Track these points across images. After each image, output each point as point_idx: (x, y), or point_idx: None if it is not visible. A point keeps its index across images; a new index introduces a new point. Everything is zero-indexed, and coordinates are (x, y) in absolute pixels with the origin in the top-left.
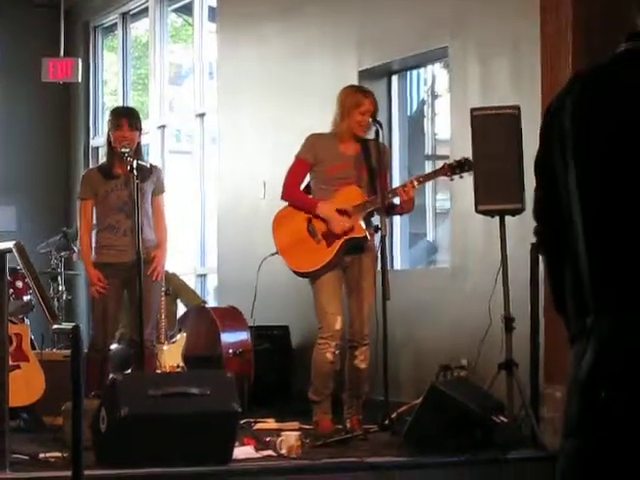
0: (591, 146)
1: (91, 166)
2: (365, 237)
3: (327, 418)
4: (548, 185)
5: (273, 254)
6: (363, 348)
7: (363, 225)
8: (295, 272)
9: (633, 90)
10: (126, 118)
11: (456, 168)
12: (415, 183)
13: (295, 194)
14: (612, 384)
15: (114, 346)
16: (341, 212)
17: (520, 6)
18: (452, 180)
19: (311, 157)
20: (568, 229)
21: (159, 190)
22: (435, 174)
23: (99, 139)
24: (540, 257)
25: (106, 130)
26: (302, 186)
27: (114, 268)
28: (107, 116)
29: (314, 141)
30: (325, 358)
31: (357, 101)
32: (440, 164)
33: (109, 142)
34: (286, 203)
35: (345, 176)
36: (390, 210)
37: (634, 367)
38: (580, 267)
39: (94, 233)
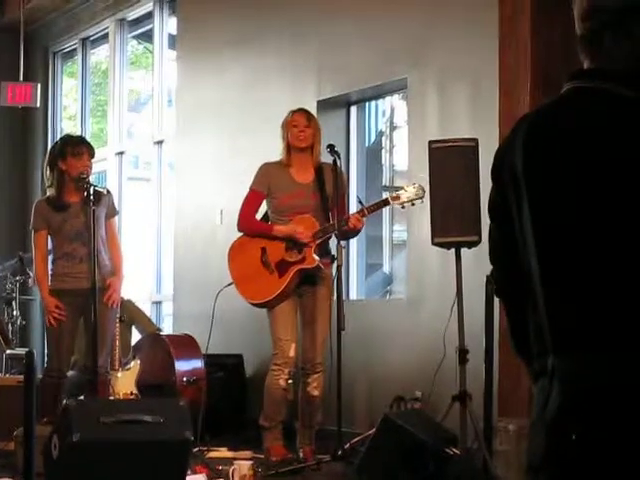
0: (544, 190)
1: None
2: (317, 267)
3: (278, 444)
4: (503, 228)
5: (228, 285)
6: (316, 375)
7: (315, 256)
8: (250, 303)
9: (581, 133)
10: (86, 147)
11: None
12: (366, 212)
13: (250, 223)
14: (583, 425)
15: (69, 372)
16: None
17: (479, 38)
18: (404, 208)
19: (264, 187)
20: (524, 273)
21: (111, 214)
22: (385, 202)
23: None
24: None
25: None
26: (258, 216)
27: (71, 295)
28: (56, 144)
29: (266, 170)
30: (277, 384)
31: (289, 118)
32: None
33: (59, 170)
34: (241, 234)
35: (299, 205)
36: (343, 235)
37: (604, 407)
38: (539, 310)
39: (50, 261)
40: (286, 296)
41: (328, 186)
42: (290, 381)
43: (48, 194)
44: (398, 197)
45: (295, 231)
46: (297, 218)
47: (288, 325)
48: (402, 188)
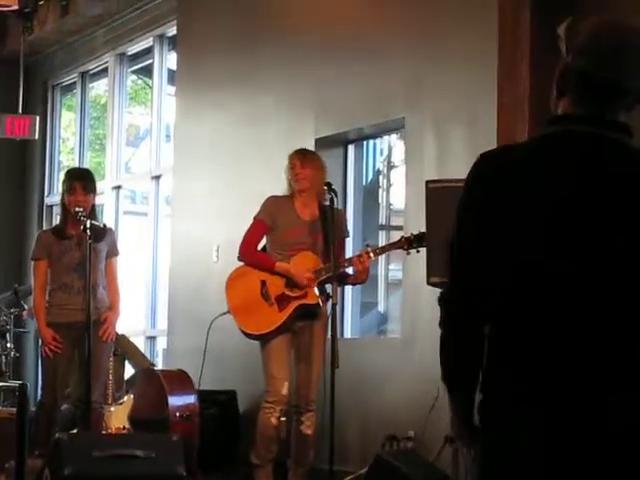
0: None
1: (45, 224)
2: (318, 304)
3: None
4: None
5: (224, 313)
6: (309, 414)
7: (316, 292)
8: (244, 333)
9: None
10: (79, 182)
11: (413, 242)
12: (371, 254)
13: (252, 253)
14: None
15: (62, 406)
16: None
17: (477, 78)
18: (409, 254)
19: (269, 219)
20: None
21: (112, 253)
22: (392, 246)
23: (54, 197)
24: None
25: (60, 190)
26: (259, 247)
27: (66, 327)
28: (62, 177)
29: (272, 203)
30: (269, 422)
31: (288, 161)
32: (394, 234)
33: (63, 203)
34: (241, 263)
35: (300, 241)
36: (343, 279)
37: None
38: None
39: (47, 292)
40: (284, 330)
41: (331, 227)
42: (283, 419)
43: (54, 225)
44: (405, 241)
45: (296, 273)
46: (300, 254)
47: (282, 363)
48: (407, 235)
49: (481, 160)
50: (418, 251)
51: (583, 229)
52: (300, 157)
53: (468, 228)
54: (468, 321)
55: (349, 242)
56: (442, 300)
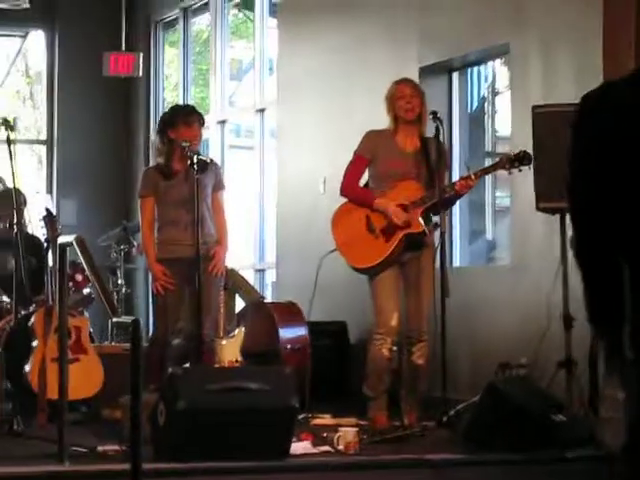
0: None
1: (151, 160)
2: (423, 232)
3: (382, 414)
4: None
5: (332, 251)
6: (421, 344)
7: (421, 221)
8: (353, 268)
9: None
10: (197, 116)
11: (515, 161)
12: (473, 177)
13: (353, 189)
14: None
15: (174, 340)
16: (399, 207)
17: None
18: (510, 174)
19: (369, 153)
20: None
21: (219, 187)
22: (494, 168)
23: None
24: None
25: (158, 127)
26: (361, 183)
27: (177, 263)
28: (167, 114)
29: (372, 137)
30: (381, 354)
31: (393, 91)
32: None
33: (169, 138)
34: (345, 199)
35: (403, 172)
36: (448, 203)
37: None
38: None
39: (155, 229)
40: (391, 263)
41: (432, 158)
42: (394, 348)
43: (157, 162)
44: (506, 161)
45: (392, 210)
46: (403, 183)
47: (391, 294)
48: (507, 154)
49: (583, 103)
50: (520, 170)
51: None
52: (411, 85)
53: (584, 172)
54: (602, 264)
55: (455, 171)
56: (572, 242)
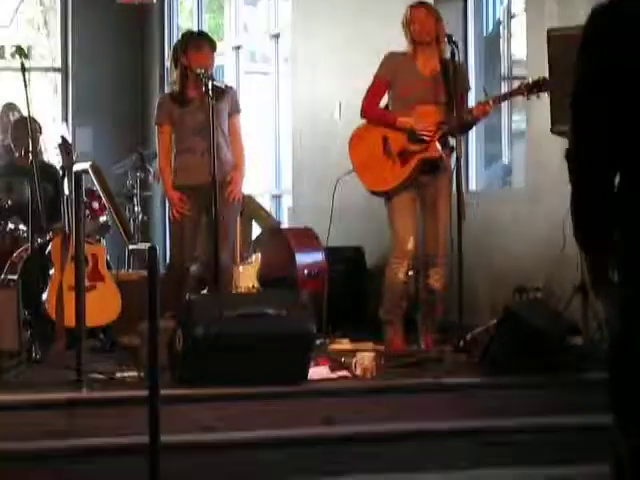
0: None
1: (166, 87)
2: (440, 157)
3: (398, 338)
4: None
5: (349, 173)
6: (437, 268)
7: (438, 146)
8: (369, 191)
9: None
10: (207, 41)
11: (533, 88)
12: (491, 102)
13: (375, 111)
14: None
15: (191, 267)
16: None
17: None
18: (528, 99)
19: (389, 75)
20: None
21: (234, 110)
22: (511, 94)
23: None
24: None
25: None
26: (381, 105)
27: (193, 190)
28: (179, 40)
29: (392, 59)
30: (397, 278)
31: (408, 15)
32: (516, 84)
33: (182, 65)
34: (363, 122)
35: (422, 95)
36: (465, 128)
37: None
38: None
39: (172, 156)
40: (407, 186)
41: (451, 81)
42: (411, 272)
43: (172, 89)
44: (524, 88)
45: (418, 126)
46: (420, 109)
47: (408, 218)
48: (525, 80)
49: (591, 16)
50: (538, 96)
51: None
52: (424, 9)
53: (589, 82)
54: (597, 175)
55: (471, 95)
56: (568, 155)
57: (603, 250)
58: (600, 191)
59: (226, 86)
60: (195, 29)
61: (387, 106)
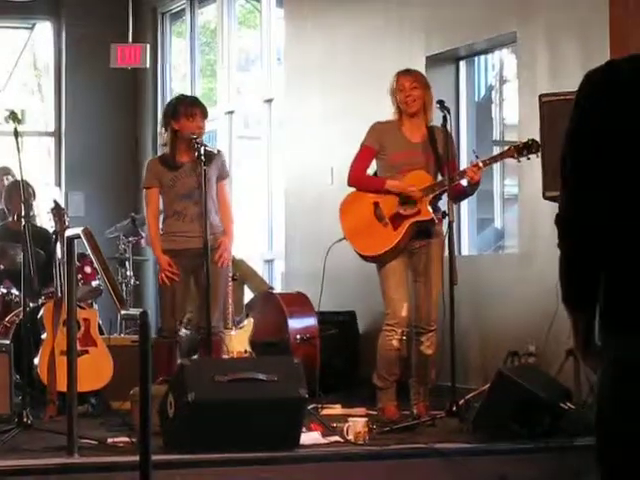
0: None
1: (159, 151)
2: (432, 220)
3: (392, 405)
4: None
5: (340, 240)
6: (430, 334)
7: (430, 209)
8: (362, 256)
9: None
10: (199, 108)
11: (523, 149)
12: (481, 164)
13: (361, 177)
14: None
15: (182, 332)
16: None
17: None
18: (519, 162)
19: (376, 144)
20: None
21: (222, 175)
22: (502, 156)
23: None
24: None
25: (162, 120)
26: (369, 173)
27: (182, 255)
28: (170, 104)
29: (378, 128)
30: (391, 345)
31: (396, 83)
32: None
33: (172, 130)
34: (352, 190)
35: (411, 162)
36: (456, 195)
37: None
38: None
39: (161, 220)
40: (399, 251)
41: (440, 147)
42: (404, 338)
43: (162, 153)
44: (515, 150)
45: (407, 187)
46: (411, 173)
47: (400, 284)
48: (516, 143)
49: (586, 80)
50: (529, 158)
51: None
52: (410, 77)
53: (581, 147)
54: (586, 239)
55: (462, 159)
56: (558, 220)
57: (588, 314)
58: (587, 256)
59: (218, 151)
60: (189, 93)
61: (375, 174)
